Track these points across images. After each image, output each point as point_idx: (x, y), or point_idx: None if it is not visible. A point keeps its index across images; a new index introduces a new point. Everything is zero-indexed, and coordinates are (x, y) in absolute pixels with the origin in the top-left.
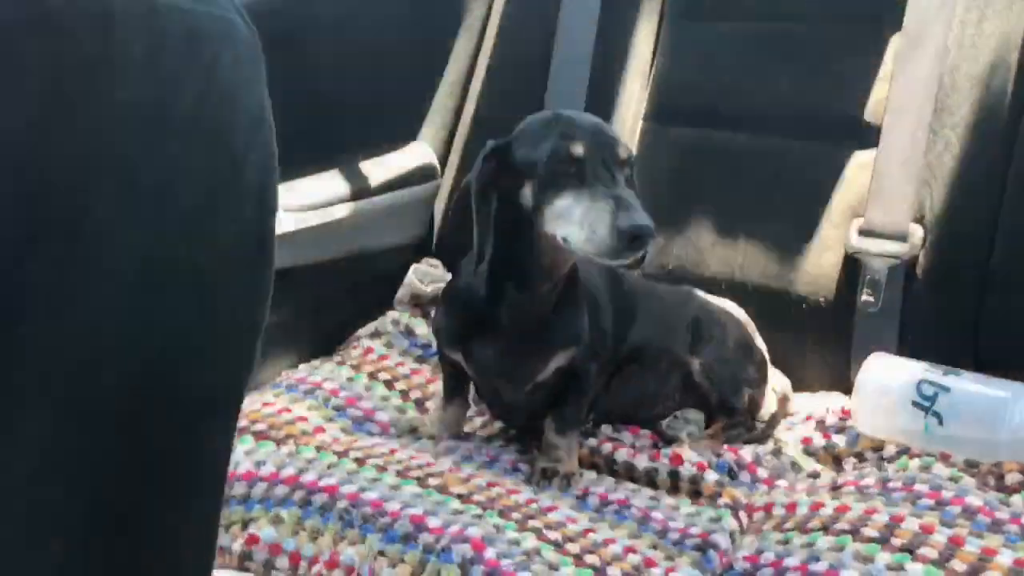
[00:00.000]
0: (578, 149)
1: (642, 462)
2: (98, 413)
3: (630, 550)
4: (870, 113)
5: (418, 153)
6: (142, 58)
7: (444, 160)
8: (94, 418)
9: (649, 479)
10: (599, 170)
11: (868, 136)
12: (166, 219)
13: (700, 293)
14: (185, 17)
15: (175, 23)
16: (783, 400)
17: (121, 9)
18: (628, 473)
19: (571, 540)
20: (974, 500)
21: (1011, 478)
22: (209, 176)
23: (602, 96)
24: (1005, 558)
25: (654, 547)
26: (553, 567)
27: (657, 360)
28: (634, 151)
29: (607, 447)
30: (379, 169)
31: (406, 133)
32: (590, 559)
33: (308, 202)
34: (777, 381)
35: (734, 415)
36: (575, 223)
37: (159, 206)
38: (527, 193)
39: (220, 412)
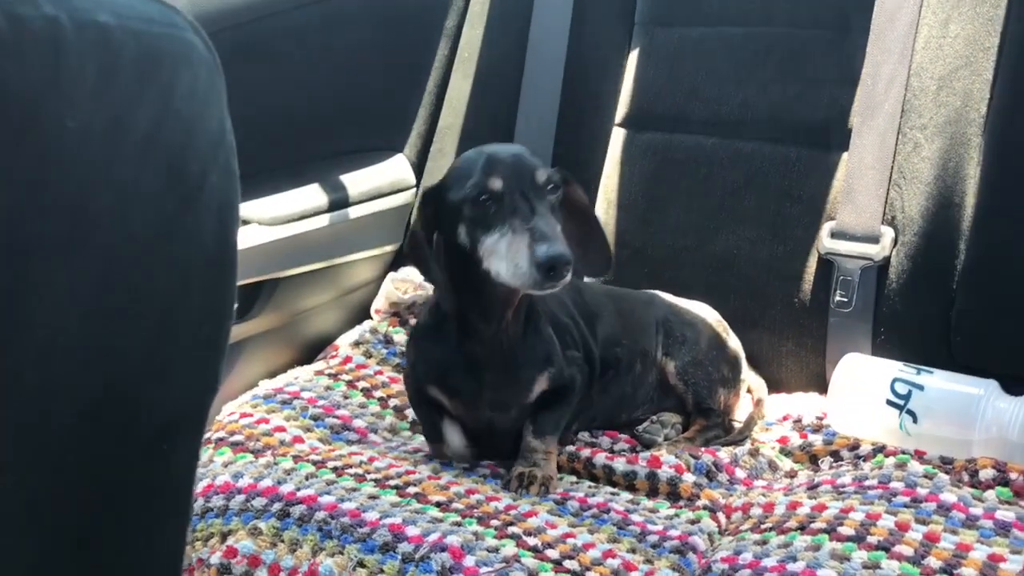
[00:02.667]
0: (496, 184)
1: (620, 466)
2: (55, 437)
3: (609, 554)
4: (840, 116)
5: (393, 163)
6: (94, 83)
7: (420, 168)
8: (51, 442)
9: (628, 483)
10: (518, 202)
11: (838, 139)
12: (121, 242)
13: (664, 295)
14: (140, 40)
15: (129, 46)
16: (758, 402)
17: (72, 34)
18: (607, 477)
19: (550, 546)
20: (949, 497)
21: (985, 474)
22: (165, 200)
23: (574, 103)
24: (979, 554)
25: (633, 551)
26: (532, 573)
27: (632, 363)
28: (608, 157)
29: (586, 452)
30: (355, 180)
31: (381, 142)
32: (570, 564)
33: (284, 214)
34: (752, 382)
35: (710, 416)
36: (501, 258)
37: (113, 230)
38: (462, 233)
39: (184, 433)
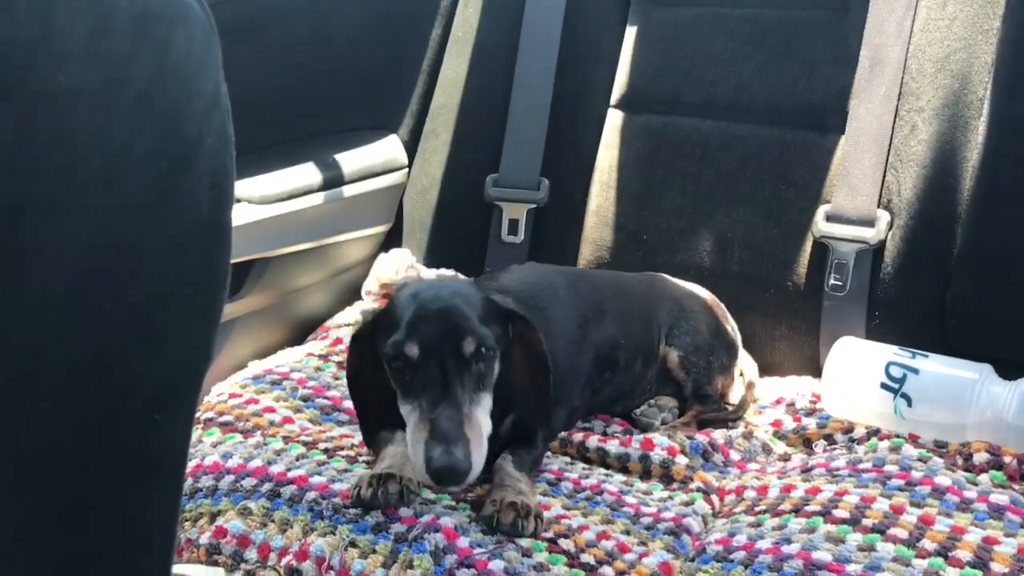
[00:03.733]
0: (413, 351)
1: (614, 448)
2: (44, 402)
3: (603, 536)
4: (836, 98)
5: (385, 143)
6: (87, 41)
7: (413, 148)
8: (40, 407)
9: (621, 465)
10: (432, 376)
11: (835, 122)
12: (113, 205)
13: (668, 278)
14: None
15: (122, 5)
16: (750, 385)
17: None
18: (600, 459)
19: (544, 527)
20: (943, 480)
21: (979, 458)
22: (158, 163)
23: (569, 84)
24: (974, 536)
25: (627, 532)
26: (526, 554)
27: (632, 362)
28: (603, 138)
29: (578, 436)
30: (347, 159)
31: (374, 122)
32: (564, 544)
33: (276, 192)
34: (744, 365)
35: (707, 402)
36: (408, 437)
37: (106, 192)
38: (390, 381)
39: (177, 402)
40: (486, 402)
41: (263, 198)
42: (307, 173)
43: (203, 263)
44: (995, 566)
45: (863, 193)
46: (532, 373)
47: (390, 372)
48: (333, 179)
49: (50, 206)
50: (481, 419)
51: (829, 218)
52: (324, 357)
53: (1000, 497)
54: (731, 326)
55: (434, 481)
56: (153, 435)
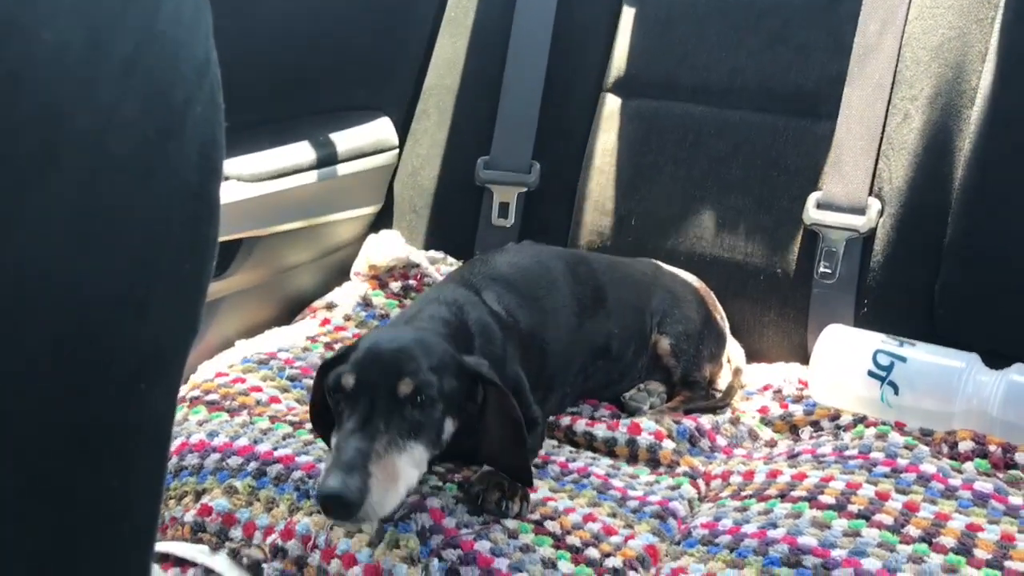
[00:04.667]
0: (349, 381)
1: (601, 432)
2: (27, 368)
3: (590, 518)
4: (829, 85)
5: (376, 123)
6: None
7: (404, 129)
8: (22, 372)
9: (608, 449)
10: (359, 409)
11: (827, 108)
12: (99, 168)
13: (663, 266)
14: None
15: None
16: (736, 371)
17: None
18: (588, 443)
19: (531, 509)
20: (928, 467)
21: (964, 446)
22: (145, 128)
23: (562, 67)
24: (958, 523)
25: (613, 515)
26: (512, 535)
27: (623, 352)
28: (596, 123)
29: (566, 420)
30: (337, 139)
31: (365, 101)
32: (550, 526)
33: (264, 171)
34: (732, 352)
35: (695, 388)
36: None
37: (91, 154)
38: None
39: (163, 373)
40: (415, 452)
41: (252, 176)
42: (297, 152)
43: (190, 233)
44: (978, 552)
45: (854, 181)
46: (507, 436)
47: (331, 403)
48: (323, 158)
49: (34, 165)
50: (399, 465)
51: (820, 205)
52: (312, 338)
53: (984, 485)
54: (720, 315)
55: (321, 509)
56: (137, 405)
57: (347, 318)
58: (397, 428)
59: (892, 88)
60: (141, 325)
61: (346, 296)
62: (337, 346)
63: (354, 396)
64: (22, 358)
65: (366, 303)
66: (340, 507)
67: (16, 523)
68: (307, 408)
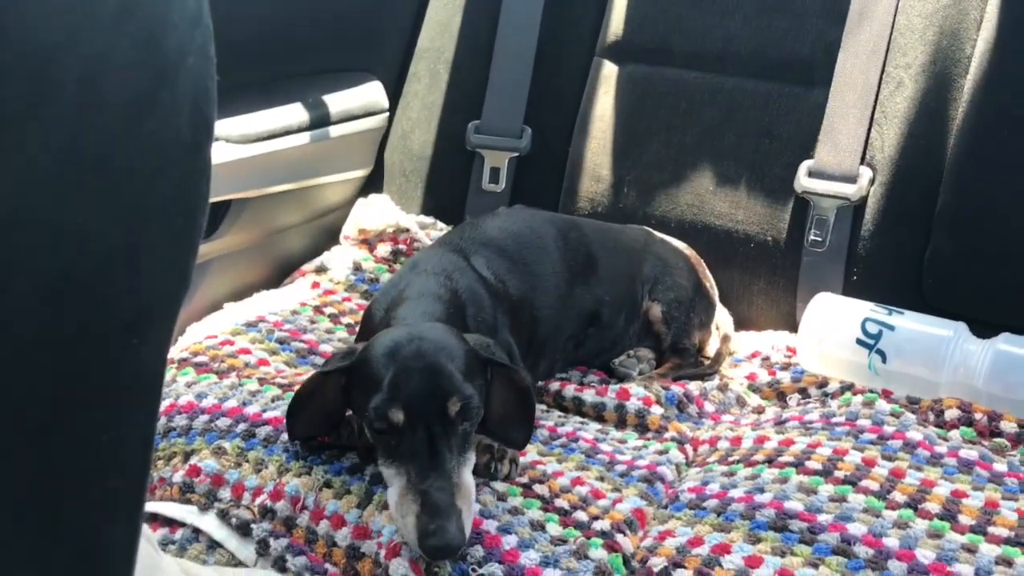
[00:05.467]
0: (398, 416)
1: (590, 397)
2: (15, 316)
3: (578, 482)
4: (824, 52)
5: (366, 86)
6: None
7: (395, 92)
8: (11, 322)
9: (597, 414)
10: (418, 441)
11: (821, 76)
12: (90, 116)
13: (655, 233)
14: None
15: None
16: (725, 338)
17: None
18: (576, 408)
19: (520, 472)
20: (914, 435)
21: (950, 414)
22: (138, 76)
23: (554, 30)
24: (943, 489)
25: (601, 479)
26: (501, 498)
27: (614, 319)
28: (588, 88)
29: (555, 385)
30: (327, 102)
31: (355, 63)
32: (539, 489)
33: (254, 132)
34: (721, 319)
35: (684, 355)
36: (393, 504)
37: (82, 101)
38: (367, 433)
39: (153, 326)
40: (471, 459)
41: (241, 137)
42: (287, 114)
43: (182, 184)
44: (963, 518)
45: (846, 149)
46: (514, 404)
47: (371, 433)
48: (312, 121)
49: (22, 109)
50: (468, 481)
51: (811, 174)
52: (301, 301)
53: (969, 452)
54: (710, 283)
55: (428, 557)
56: (128, 358)
57: (336, 282)
58: (457, 448)
59: (886, 56)
60: (133, 277)
61: (335, 260)
62: (327, 310)
63: (407, 428)
64: (12, 306)
65: (356, 267)
66: (448, 553)
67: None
68: (296, 371)
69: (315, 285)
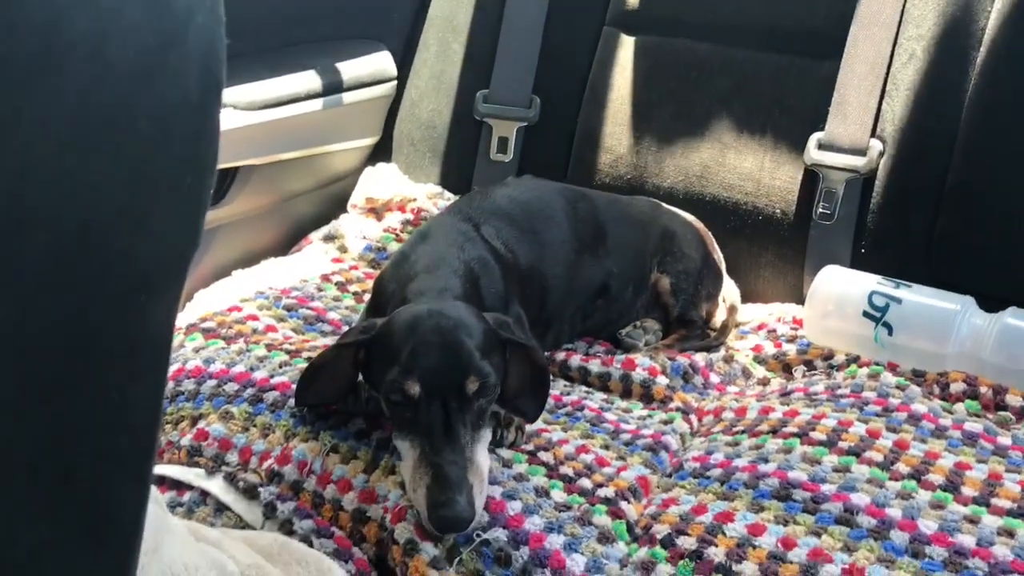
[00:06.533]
0: (414, 389)
1: (595, 367)
2: (25, 274)
3: (583, 450)
4: (837, 24)
5: (375, 54)
6: None
7: (404, 60)
8: (21, 280)
9: (602, 384)
10: (434, 415)
11: (833, 48)
12: (99, 73)
13: (663, 205)
14: None
15: None
16: (731, 309)
17: None
18: (582, 378)
19: (525, 440)
20: (919, 407)
21: (955, 387)
22: (147, 35)
23: (564, 0)
24: (947, 461)
25: (606, 447)
26: (507, 464)
27: (623, 291)
28: (597, 57)
29: (560, 355)
30: (335, 69)
31: (364, 31)
32: (544, 457)
33: (262, 99)
34: (728, 291)
35: (691, 327)
36: (406, 474)
37: (91, 58)
38: (383, 404)
39: (163, 287)
40: (486, 436)
41: (249, 104)
42: (295, 81)
43: (191, 145)
44: (966, 490)
45: (856, 122)
46: (530, 379)
47: (386, 405)
48: (320, 88)
49: (32, 66)
50: (482, 458)
51: (821, 146)
52: (309, 268)
53: (974, 425)
54: (718, 254)
55: (436, 530)
56: (137, 317)
57: (344, 250)
58: (472, 424)
59: (899, 27)
60: (141, 237)
61: (343, 228)
62: (334, 278)
63: (423, 401)
64: (21, 263)
65: (363, 236)
66: (457, 526)
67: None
68: (304, 338)
69: (323, 253)
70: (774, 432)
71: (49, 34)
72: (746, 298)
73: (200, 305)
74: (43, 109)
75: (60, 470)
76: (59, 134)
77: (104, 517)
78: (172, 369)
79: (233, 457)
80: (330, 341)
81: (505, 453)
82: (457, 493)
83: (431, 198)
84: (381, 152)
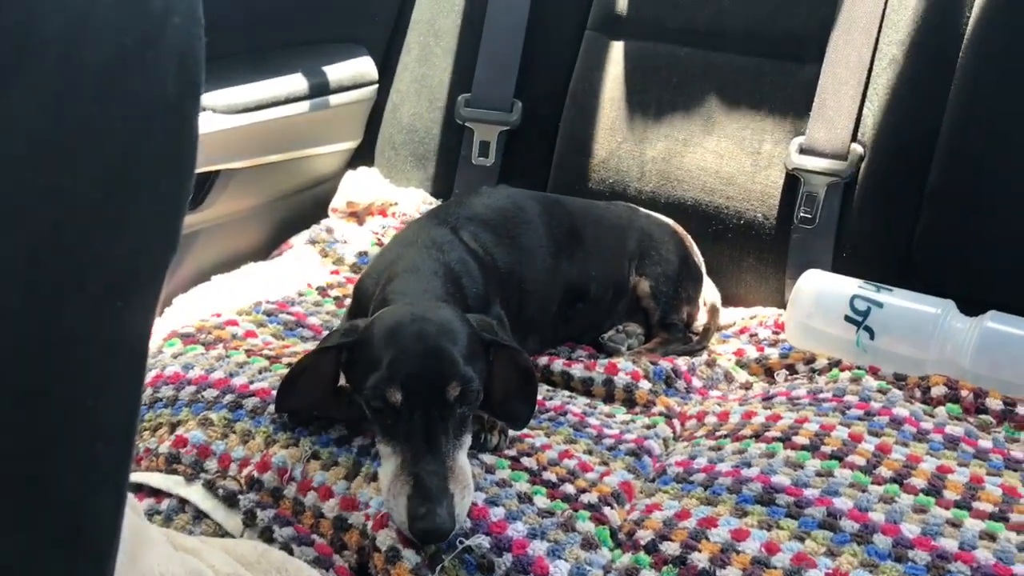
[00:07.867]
0: (396, 396)
1: (578, 372)
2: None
3: (566, 455)
4: (817, 29)
5: (356, 58)
6: None
7: (385, 64)
8: None
9: (585, 388)
10: (415, 424)
11: (814, 53)
12: (73, 74)
13: (639, 209)
14: None
15: None
16: (712, 311)
17: None
18: (565, 383)
19: (508, 444)
20: (901, 411)
21: (937, 391)
22: (122, 35)
23: (546, 4)
24: (929, 465)
25: (589, 452)
26: (489, 470)
27: (603, 295)
28: (579, 62)
29: (543, 360)
30: (315, 72)
31: (345, 34)
32: (527, 462)
33: (242, 103)
34: (708, 293)
35: (672, 331)
36: (384, 483)
37: (65, 59)
38: (365, 408)
39: (139, 290)
40: (467, 442)
41: (228, 108)
42: (275, 85)
43: (168, 147)
44: (948, 493)
45: (838, 126)
46: (516, 384)
47: (368, 411)
48: (300, 92)
49: (5, 66)
50: (464, 465)
51: (802, 150)
52: (289, 273)
53: (955, 429)
54: (698, 258)
55: (418, 540)
56: (113, 322)
57: (325, 254)
58: (454, 431)
59: (879, 32)
60: (117, 239)
61: (324, 232)
62: (315, 283)
63: (404, 409)
64: None
65: (345, 240)
66: (437, 537)
67: None
68: (284, 343)
69: (304, 257)
70: (757, 436)
71: (22, 34)
72: (728, 302)
73: (179, 310)
74: (16, 109)
75: (36, 478)
76: (32, 133)
77: (79, 526)
78: (150, 375)
79: (212, 464)
80: (310, 346)
81: (488, 459)
82: (437, 504)
83: (412, 202)
84: (363, 156)
